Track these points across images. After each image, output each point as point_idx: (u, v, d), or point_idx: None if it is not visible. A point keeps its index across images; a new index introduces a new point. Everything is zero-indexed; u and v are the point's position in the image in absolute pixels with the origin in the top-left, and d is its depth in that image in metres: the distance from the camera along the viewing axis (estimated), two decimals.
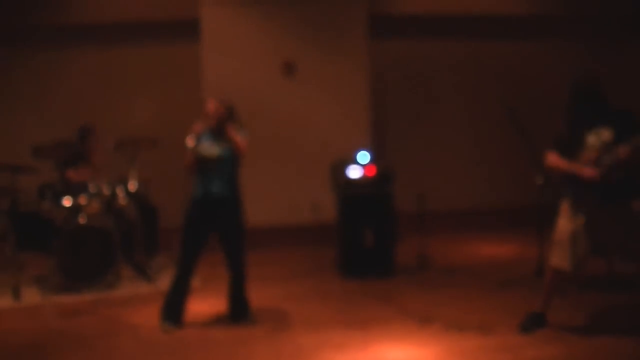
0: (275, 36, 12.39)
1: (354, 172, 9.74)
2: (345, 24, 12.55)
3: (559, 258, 6.76)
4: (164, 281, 8.65)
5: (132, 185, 9.77)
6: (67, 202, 9.23)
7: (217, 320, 7.63)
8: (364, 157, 9.86)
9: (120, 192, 9.60)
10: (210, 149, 7.33)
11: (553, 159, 6.72)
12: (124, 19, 12.28)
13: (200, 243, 7.38)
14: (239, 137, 7.32)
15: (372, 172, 9.74)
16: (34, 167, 9.19)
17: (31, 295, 8.84)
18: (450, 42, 13.61)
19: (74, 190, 9.33)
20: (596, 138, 6.48)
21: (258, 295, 7.97)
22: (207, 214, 7.33)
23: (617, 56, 13.67)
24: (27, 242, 9.24)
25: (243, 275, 7.56)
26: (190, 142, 7.19)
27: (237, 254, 7.50)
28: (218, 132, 7.39)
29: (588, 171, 6.41)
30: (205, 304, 8.23)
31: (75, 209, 9.25)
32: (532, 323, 6.93)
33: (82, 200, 9.24)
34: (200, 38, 12.15)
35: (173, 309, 7.37)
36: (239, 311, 7.58)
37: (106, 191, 9.45)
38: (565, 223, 6.73)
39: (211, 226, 7.40)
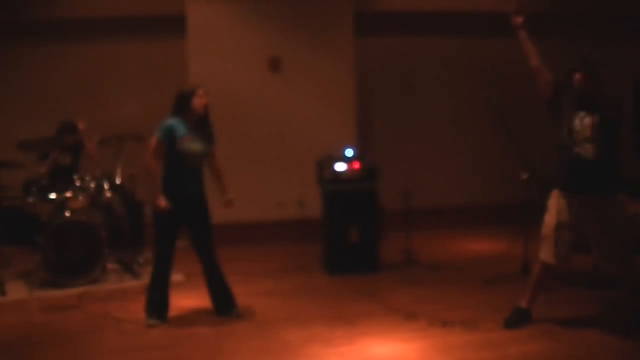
0: (261, 32, 12.39)
1: (340, 168, 9.74)
2: (331, 20, 12.56)
3: (544, 252, 6.83)
4: (150, 276, 8.66)
5: (118, 180, 9.76)
6: (52, 196, 9.20)
7: (202, 316, 7.64)
8: (349, 153, 9.87)
9: (106, 187, 9.60)
10: (196, 144, 7.30)
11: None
12: (110, 14, 12.25)
13: (175, 237, 7.38)
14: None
15: (357, 168, 9.75)
16: (19, 163, 9.16)
17: (16, 291, 8.83)
18: (436, 39, 13.63)
19: (58, 182, 9.33)
20: (579, 123, 6.55)
21: (244, 291, 7.99)
22: (181, 208, 7.27)
23: (607, 57, 13.71)
24: (12, 237, 9.21)
25: (218, 266, 7.57)
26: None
27: (210, 247, 7.51)
28: (198, 125, 7.38)
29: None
30: (189, 299, 8.24)
31: (61, 203, 9.24)
32: (517, 318, 6.96)
33: (68, 194, 9.23)
34: (186, 34, 12.14)
35: (156, 305, 7.37)
36: (223, 304, 7.60)
37: (92, 186, 9.44)
38: (551, 217, 6.80)
39: (181, 221, 7.38)
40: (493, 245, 11.10)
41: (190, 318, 7.58)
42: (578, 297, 7.89)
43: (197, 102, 7.33)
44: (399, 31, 13.49)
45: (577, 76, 6.71)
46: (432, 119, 13.72)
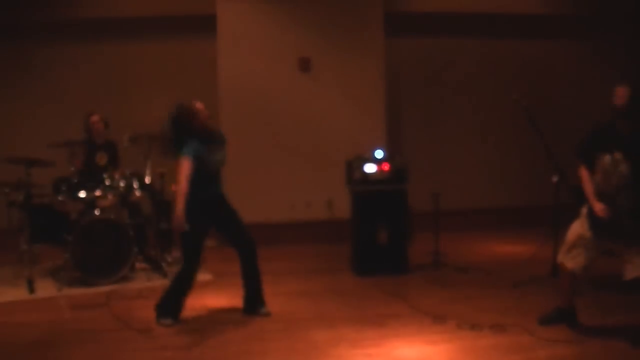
0: (291, 32, 12.39)
1: (369, 169, 9.72)
2: (362, 21, 12.56)
3: (562, 256, 6.82)
4: (175, 276, 8.69)
5: (148, 179, 9.77)
6: (82, 195, 9.25)
7: (230, 315, 7.64)
8: (379, 154, 9.84)
9: (135, 186, 9.61)
10: (218, 154, 7.35)
11: (584, 175, 6.69)
12: (141, 13, 12.30)
13: (204, 240, 7.43)
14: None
15: (387, 169, 9.73)
16: (49, 161, 9.18)
17: (45, 288, 8.88)
18: (466, 40, 13.60)
19: (89, 181, 9.37)
20: (611, 162, 6.46)
21: (272, 291, 7.97)
22: (210, 212, 7.35)
23: (631, 57, 13.65)
24: (41, 235, 9.26)
25: (256, 263, 7.58)
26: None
27: (245, 240, 7.54)
28: (210, 136, 7.38)
29: (599, 208, 6.47)
30: (217, 298, 8.26)
31: (90, 202, 9.28)
32: (553, 317, 6.96)
33: (97, 193, 9.27)
34: (217, 34, 12.15)
35: (175, 305, 7.37)
36: (254, 301, 7.62)
37: (121, 185, 9.47)
38: (578, 226, 6.75)
39: (210, 223, 7.46)
40: (522, 247, 11.02)
41: (218, 318, 7.58)
42: (609, 302, 7.82)
43: (202, 115, 7.32)
44: (429, 32, 13.47)
45: None
46: (461, 120, 13.68)
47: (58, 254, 9.37)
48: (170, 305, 7.36)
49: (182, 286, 7.37)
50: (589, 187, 6.62)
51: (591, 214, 6.60)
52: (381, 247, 9.67)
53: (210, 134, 7.40)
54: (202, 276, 9.23)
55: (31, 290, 8.69)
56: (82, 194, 9.28)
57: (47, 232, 9.31)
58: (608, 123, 6.62)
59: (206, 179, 7.29)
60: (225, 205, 7.52)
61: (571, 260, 6.76)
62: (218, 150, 7.40)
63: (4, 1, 11.87)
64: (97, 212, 9.21)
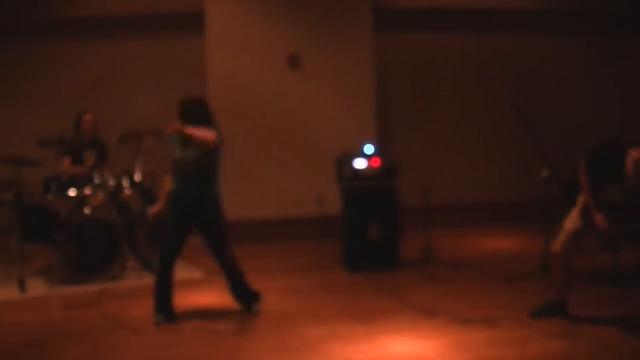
0: (280, 29, 12.37)
1: (359, 165, 9.71)
2: (351, 17, 12.53)
3: (558, 245, 6.89)
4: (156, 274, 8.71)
5: (137, 177, 9.75)
6: (72, 193, 9.23)
7: (221, 313, 7.62)
8: (369, 150, 9.83)
9: (125, 184, 9.59)
10: (182, 152, 7.25)
11: (584, 179, 6.77)
12: (128, 12, 12.26)
13: (180, 238, 7.35)
14: (202, 133, 7.09)
15: (377, 165, 9.72)
16: (39, 160, 9.16)
17: (36, 288, 8.84)
18: (456, 36, 13.59)
19: (78, 181, 9.35)
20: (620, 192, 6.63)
21: (263, 288, 7.93)
22: (184, 210, 7.28)
23: (623, 53, 13.67)
24: (32, 234, 9.22)
25: (233, 264, 7.52)
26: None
27: (221, 246, 7.44)
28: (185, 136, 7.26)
29: (599, 219, 6.62)
30: (208, 296, 8.25)
31: (80, 200, 9.27)
32: (545, 310, 6.99)
33: (87, 192, 9.26)
34: (205, 31, 12.13)
35: (162, 302, 7.34)
36: (244, 299, 7.60)
37: (111, 183, 9.45)
38: (575, 215, 6.83)
39: (190, 222, 7.36)
40: (513, 242, 11.03)
41: (209, 315, 7.56)
42: (601, 296, 7.85)
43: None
44: (418, 28, 13.46)
45: None
46: (451, 115, 13.68)
47: (49, 254, 9.34)
48: (157, 302, 7.34)
49: (159, 280, 7.33)
50: (589, 195, 6.69)
51: (585, 211, 6.69)
52: (372, 244, 9.66)
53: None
54: (193, 274, 9.26)
55: (22, 289, 8.66)
56: (72, 193, 9.27)
57: (37, 232, 9.27)
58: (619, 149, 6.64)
59: (178, 175, 7.30)
60: (208, 210, 7.39)
61: (565, 250, 6.84)
62: (183, 148, 7.27)
63: None
64: (87, 211, 9.20)
